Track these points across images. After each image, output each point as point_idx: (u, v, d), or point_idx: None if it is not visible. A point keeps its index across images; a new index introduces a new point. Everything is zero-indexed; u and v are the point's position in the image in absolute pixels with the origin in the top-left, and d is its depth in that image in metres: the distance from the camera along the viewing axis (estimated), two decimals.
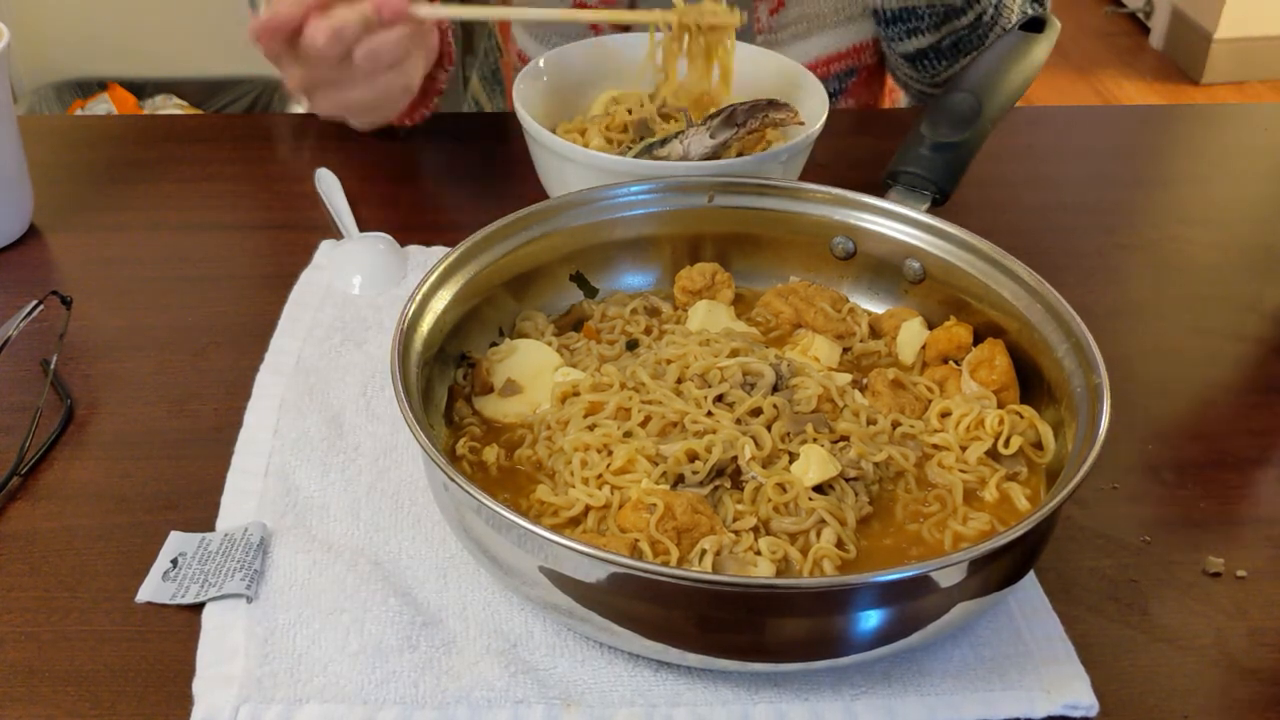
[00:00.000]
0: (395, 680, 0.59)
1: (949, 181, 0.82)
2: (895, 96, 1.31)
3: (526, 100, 0.92)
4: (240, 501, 0.69)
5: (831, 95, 1.17)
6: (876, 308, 0.81)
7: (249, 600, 0.63)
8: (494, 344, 0.75)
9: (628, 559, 0.54)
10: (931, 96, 1.17)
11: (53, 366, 0.77)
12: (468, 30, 1.44)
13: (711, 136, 0.86)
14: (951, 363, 0.75)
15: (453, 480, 0.57)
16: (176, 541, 0.66)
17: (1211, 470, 0.75)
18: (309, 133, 1.10)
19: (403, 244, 0.92)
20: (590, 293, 0.81)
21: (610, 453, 0.65)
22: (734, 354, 0.71)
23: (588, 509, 0.63)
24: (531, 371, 0.73)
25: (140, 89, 2.42)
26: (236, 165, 1.05)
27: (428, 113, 1.04)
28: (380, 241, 0.91)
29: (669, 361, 0.71)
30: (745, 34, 1.17)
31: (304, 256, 0.90)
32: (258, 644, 0.61)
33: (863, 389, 0.73)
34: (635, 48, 1.00)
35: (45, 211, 0.96)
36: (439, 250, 0.92)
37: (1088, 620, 0.65)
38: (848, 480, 0.65)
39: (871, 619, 0.56)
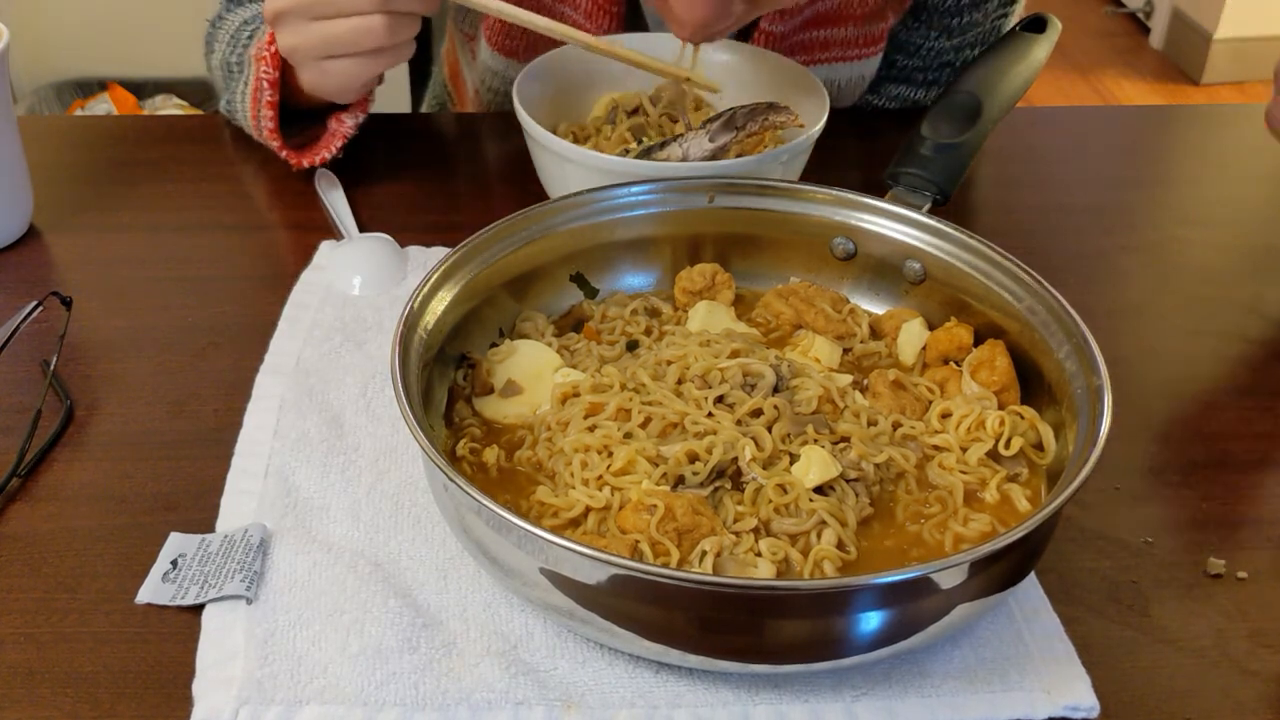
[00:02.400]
0: (395, 682, 0.59)
1: (949, 182, 0.82)
2: None
3: (526, 100, 0.92)
4: (240, 502, 0.69)
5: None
6: (877, 308, 0.81)
7: (249, 601, 0.63)
8: (494, 345, 0.75)
9: (628, 560, 0.54)
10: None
11: (52, 367, 0.77)
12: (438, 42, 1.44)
13: (711, 140, 0.86)
14: (952, 364, 0.75)
15: (453, 481, 0.57)
16: (176, 543, 0.66)
17: (1213, 471, 0.75)
18: None
19: (403, 244, 0.92)
20: (590, 293, 0.81)
21: (610, 454, 0.65)
22: (734, 355, 0.71)
23: (588, 510, 0.63)
24: (532, 372, 0.73)
25: (140, 89, 2.42)
26: (236, 165, 1.05)
27: (328, 157, 0.99)
28: (380, 242, 0.91)
29: (669, 362, 0.71)
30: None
31: (304, 257, 0.90)
32: (258, 645, 0.60)
33: (863, 390, 0.73)
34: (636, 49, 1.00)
35: (45, 211, 0.96)
36: (439, 251, 0.92)
37: (1089, 621, 0.64)
38: (848, 481, 0.65)
39: (872, 620, 0.56)
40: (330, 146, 0.98)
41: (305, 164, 0.99)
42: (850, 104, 1.16)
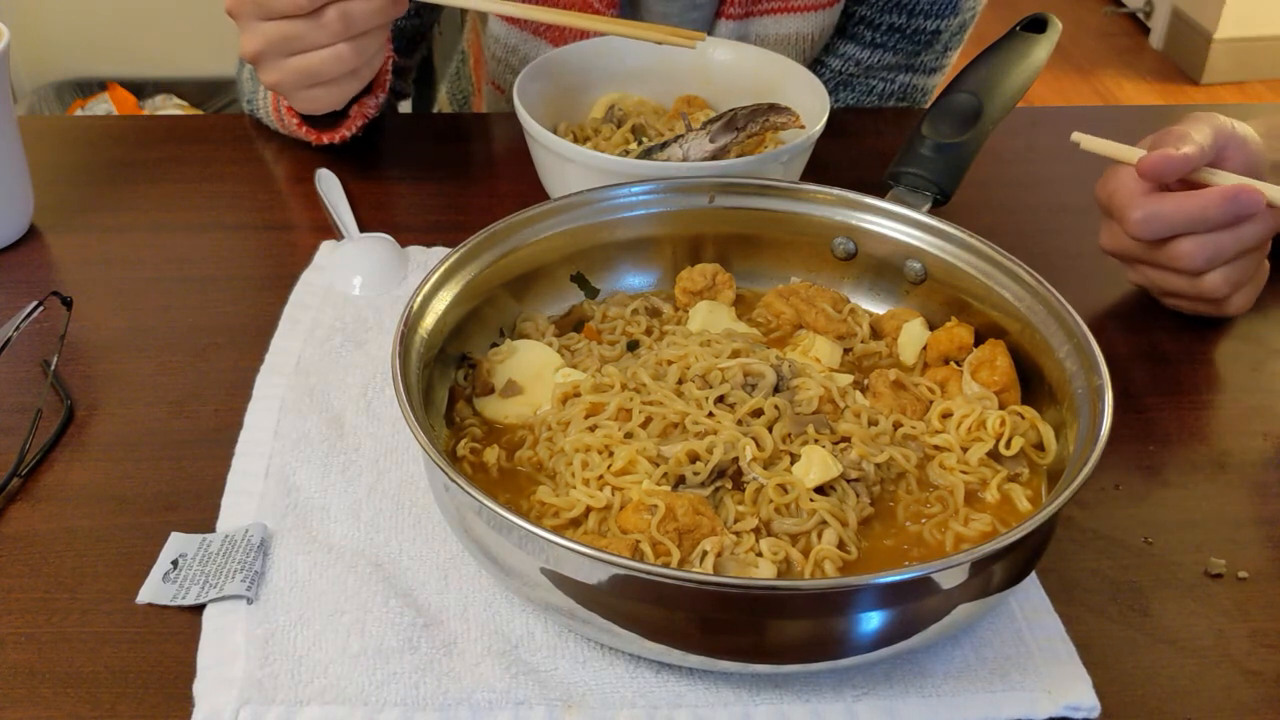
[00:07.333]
0: (396, 682, 0.59)
1: (950, 182, 0.82)
2: None
3: (527, 100, 0.92)
4: (241, 502, 0.69)
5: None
6: (877, 308, 0.81)
7: (249, 602, 0.63)
8: (495, 345, 0.75)
9: (629, 560, 0.54)
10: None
11: (53, 367, 0.77)
12: (447, 36, 1.44)
13: (711, 141, 0.86)
14: (953, 364, 0.75)
15: (454, 481, 0.57)
16: (177, 543, 0.66)
17: (1213, 471, 0.75)
18: None
19: (403, 244, 0.92)
20: (591, 293, 0.81)
21: (611, 454, 0.65)
22: (735, 355, 0.71)
23: (589, 510, 0.63)
24: (532, 372, 0.73)
25: (140, 89, 2.42)
26: (236, 165, 1.05)
27: (349, 135, 1.00)
28: (381, 242, 0.91)
29: (670, 362, 0.71)
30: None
31: (304, 257, 0.90)
32: (258, 645, 0.60)
33: (864, 390, 0.73)
34: (637, 49, 1.00)
35: (45, 212, 0.96)
36: (440, 251, 0.92)
37: (1089, 621, 0.64)
38: (849, 481, 0.65)
39: (873, 620, 0.56)
40: (352, 125, 1.00)
41: (326, 140, 1.00)
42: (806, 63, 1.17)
